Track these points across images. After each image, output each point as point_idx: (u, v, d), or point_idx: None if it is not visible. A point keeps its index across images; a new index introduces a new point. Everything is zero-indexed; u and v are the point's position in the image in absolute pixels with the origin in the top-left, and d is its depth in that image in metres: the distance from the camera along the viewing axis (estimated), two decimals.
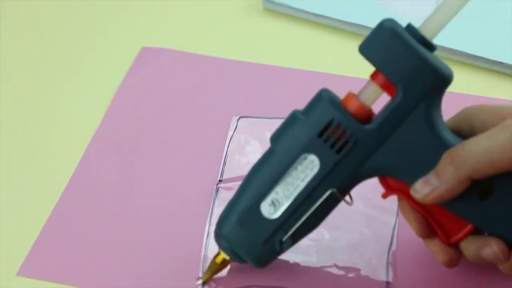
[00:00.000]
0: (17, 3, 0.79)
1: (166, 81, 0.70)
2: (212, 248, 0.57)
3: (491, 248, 0.51)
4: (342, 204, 0.59)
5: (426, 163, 0.50)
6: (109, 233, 0.58)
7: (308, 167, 0.51)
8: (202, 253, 0.57)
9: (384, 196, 0.53)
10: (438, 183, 0.49)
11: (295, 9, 0.76)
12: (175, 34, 0.75)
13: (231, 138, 0.64)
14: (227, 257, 0.54)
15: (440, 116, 0.51)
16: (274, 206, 0.52)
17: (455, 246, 0.52)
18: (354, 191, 0.60)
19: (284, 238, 0.52)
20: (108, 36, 0.76)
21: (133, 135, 0.65)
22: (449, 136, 0.51)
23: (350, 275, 0.55)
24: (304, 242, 0.57)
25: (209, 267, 0.55)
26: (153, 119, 0.67)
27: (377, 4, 0.76)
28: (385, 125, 0.50)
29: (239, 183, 0.60)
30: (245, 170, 0.61)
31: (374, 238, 0.57)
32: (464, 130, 0.52)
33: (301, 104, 0.67)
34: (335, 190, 0.51)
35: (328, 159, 0.51)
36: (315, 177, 0.51)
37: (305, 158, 0.51)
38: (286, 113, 0.66)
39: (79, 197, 0.61)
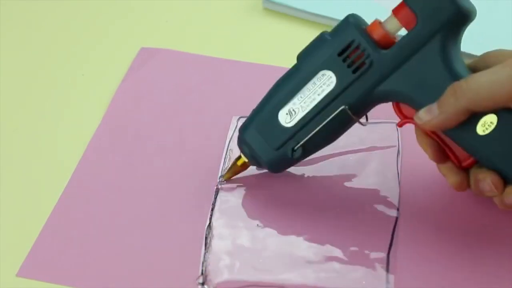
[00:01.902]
0: (17, 3, 0.79)
1: (165, 81, 0.70)
2: (212, 248, 0.57)
3: (486, 181, 0.53)
4: (342, 205, 0.59)
5: (435, 93, 0.53)
6: (109, 234, 0.58)
7: (325, 83, 0.55)
8: (202, 253, 0.57)
9: (400, 124, 0.56)
10: (438, 112, 0.52)
11: (295, 9, 0.76)
12: (174, 34, 0.75)
13: (231, 138, 0.64)
14: (247, 160, 0.59)
15: (457, 52, 0.54)
16: (290, 115, 0.56)
17: (465, 171, 0.55)
18: (355, 192, 0.60)
19: (296, 147, 0.57)
20: (107, 36, 0.76)
21: (132, 135, 0.65)
22: (461, 71, 0.53)
23: (350, 274, 0.55)
24: (305, 241, 0.57)
25: (230, 168, 0.61)
26: (152, 119, 0.66)
27: (377, 4, 0.76)
28: (400, 51, 0.54)
29: (239, 184, 0.61)
30: (245, 171, 0.62)
31: (374, 238, 0.57)
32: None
33: None
34: (347, 107, 0.55)
35: (345, 77, 0.55)
36: (331, 92, 0.55)
37: (323, 74, 0.55)
38: None
39: (79, 198, 0.61)
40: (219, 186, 0.61)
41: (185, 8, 0.79)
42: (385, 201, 0.59)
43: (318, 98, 0.56)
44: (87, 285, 0.56)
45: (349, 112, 0.55)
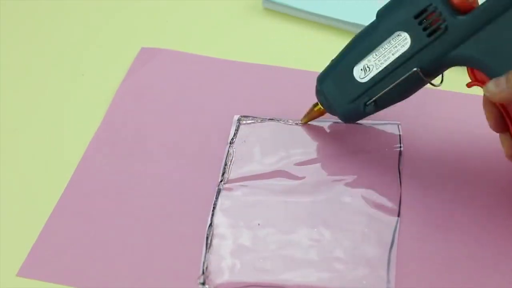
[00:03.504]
0: (17, 3, 0.79)
1: (165, 81, 0.70)
2: (213, 248, 0.57)
3: None
4: (343, 205, 0.59)
5: (509, 64, 0.53)
6: (109, 234, 0.58)
7: (400, 43, 0.57)
8: (203, 253, 0.57)
9: (469, 85, 0.57)
10: (505, 87, 0.53)
11: (295, 9, 0.76)
12: (174, 35, 0.75)
13: (231, 139, 0.64)
14: (323, 109, 0.63)
15: None
16: (364, 72, 0.59)
17: None
18: (356, 192, 0.60)
19: (369, 102, 0.59)
20: (108, 36, 0.76)
21: (132, 136, 0.65)
22: None
23: (351, 274, 0.55)
24: (305, 241, 0.57)
25: (308, 113, 0.64)
26: (153, 119, 0.66)
27: (378, 4, 0.76)
28: (478, 17, 0.54)
29: (240, 183, 0.61)
30: (246, 171, 0.62)
31: (375, 238, 0.57)
32: None
33: (300, 104, 0.67)
34: (418, 69, 0.56)
35: (419, 40, 0.56)
36: (404, 53, 0.57)
37: (399, 35, 0.57)
38: (285, 113, 0.66)
39: (79, 198, 0.61)
40: (221, 186, 0.61)
41: (185, 8, 0.79)
42: (386, 201, 0.59)
43: (392, 58, 0.57)
44: (87, 285, 0.55)
45: (420, 74, 0.57)
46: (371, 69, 0.58)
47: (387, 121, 0.65)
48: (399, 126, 0.64)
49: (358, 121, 0.64)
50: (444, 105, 0.66)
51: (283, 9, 0.77)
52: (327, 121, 0.65)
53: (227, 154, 0.63)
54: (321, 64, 0.71)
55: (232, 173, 0.62)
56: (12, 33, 0.76)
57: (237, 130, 0.65)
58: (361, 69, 0.59)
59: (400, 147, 0.63)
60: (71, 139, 0.65)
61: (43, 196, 0.61)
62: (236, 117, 0.66)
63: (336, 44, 0.74)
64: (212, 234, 0.58)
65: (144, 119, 0.66)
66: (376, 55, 0.58)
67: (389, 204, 0.59)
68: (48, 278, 0.56)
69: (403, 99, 0.59)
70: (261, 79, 0.70)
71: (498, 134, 0.57)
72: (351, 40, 0.60)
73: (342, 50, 0.61)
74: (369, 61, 0.58)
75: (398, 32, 0.57)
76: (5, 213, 0.60)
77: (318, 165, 0.62)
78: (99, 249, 0.57)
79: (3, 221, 0.60)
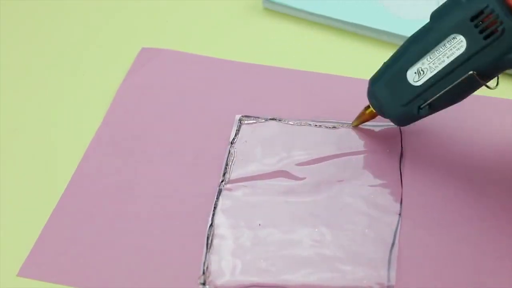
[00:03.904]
0: (17, 3, 0.79)
1: (166, 81, 0.70)
2: (213, 248, 0.57)
3: None
4: (344, 206, 0.59)
5: None
6: (109, 234, 0.58)
7: (455, 46, 0.56)
8: (204, 253, 0.57)
9: None
10: None
11: (295, 9, 0.76)
12: (174, 35, 0.75)
13: (233, 139, 0.64)
14: (375, 111, 0.62)
15: None
16: (418, 75, 0.58)
17: None
18: (357, 192, 0.60)
19: (423, 105, 0.58)
20: (109, 36, 0.76)
21: (133, 136, 0.65)
22: None
23: (352, 274, 0.55)
24: (306, 242, 0.57)
25: (359, 116, 0.64)
26: (153, 120, 0.66)
27: (378, 4, 0.76)
28: None
29: (241, 184, 0.61)
30: (247, 171, 0.62)
31: (376, 239, 0.57)
32: None
33: (300, 104, 0.67)
34: (475, 73, 0.56)
35: (475, 43, 0.55)
36: (460, 56, 0.56)
37: (454, 38, 0.56)
38: (286, 113, 0.66)
39: (80, 198, 0.61)
40: (221, 186, 0.61)
41: (185, 8, 0.79)
42: (387, 202, 0.59)
43: (447, 61, 0.56)
44: (88, 285, 0.55)
45: (476, 77, 0.56)
46: (425, 72, 0.57)
47: (387, 122, 0.65)
48: (400, 126, 0.64)
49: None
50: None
51: (283, 9, 0.77)
52: (327, 122, 0.65)
53: (228, 154, 0.63)
54: (321, 64, 0.71)
55: (233, 173, 0.62)
56: (12, 33, 0.76)
57: (238, 130, 0.65)
58: (415, 72, 0.58)
59: (401, 147, 0.63)
60: (71, 139, 0.65)
61: (43, 196, 0.61)
62: (237, 117, 0.66)
63: (336, 44, 0.74)
64: (213, 234, 0.58)
65: (145, 119, 0.66)
66: (430, 58, 0.57)
67: (390, 204, 0.59)
68: (49, 278, 0.56)
69: (458, 102, 0.59)
70: (261, 79, 0.70)
71: (497, 134, 0.57)
72: (404, 43, 0.59)
73: (395, 53, 0.60)
74: (423, 64, 0.57)
75: (453, 35, 0.56)
76: (5, 213, 0.60)
77: (319, 165, 0.62)
78: (99, 249, 0.57)
79: (3, 221, 0.60)
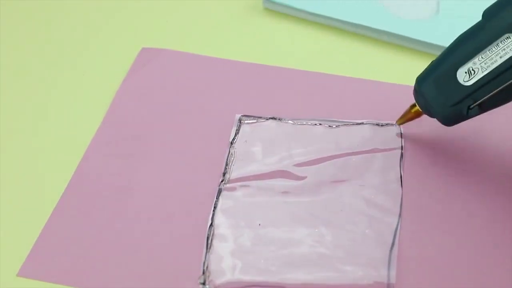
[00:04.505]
0: (17, 3, 0.79)
1: (166, 81, 0.70)
2: (213, 248, 0.57)
3: None
4: (344, 206, 0.59)
5: None
6: (109, 234, 0.58)
7: (509, 47, 0.54)
8: (204, 253, 0.57)
9: None
10: None
11: (295, 9, 0.76)
12: (175, 35, 0.75)
13: (233, 138, 0.64)
14: (421, 111, 0.60)
15: None
16: (469, 75, 0.56)
17: None
18: (357, 192, 0.60)
19: (472, 106, 0.57)
20: (108, 36, 0.76)
21: (133, 136, 0.65)
22: None
23: (352, 275, 0.55)
24: (306, 242, 0.57)
25: (405, 114, 0.62)
26: (153, 120, 0.66)
27: (378, 4, 0.76)
28: None
29: (241, 183, 0.60)
30: (247, 171, 0.62)
31: (376, 239, 0.57)
32: None
33: (300, 104, 0.67)
34: None
35: None
36: None
37: (508, 37, 0.54)
38: (286, 113, 0.66)
39: (80, 198, 0.61)
40: (221, 186, 0.61)
41: (186, 8, 0.79)
42: (387, 202, 0.59)
43: (500, 61, 0.55)
44: (88, 285, 0.55)
45: None
46: (476, 72, 0.56)
47: (387, 121, 0.65)
48: (400, 126, 0.64)
49: (359, 121, 0.64)
50: None
51: (283, 9, 0.77)
52: (327, 121, 0.65)
53: (228, 154, 0.63)
54: (321, 64, 0.71)
55: (233, 173, 0.62)
56: (12, 33, 0.76)
57: (238, 129, 0.65)
58: (466, 72, 0.56)
59: (402, 147, 0.63)
60: (72, 139, 0.65)
61: (43, 196, 0.61)
62: (237, 116, 0.66)
63: (336, 44, 0.74)
64: (213, 234, 0.58)
65: (145, 119, 0.66)
66: (482, 57, 0.56)
67: (390, 204, 0.59)
68: (49, 278, 0.56)
69: (510, 101, 0.58)
70: (261, 78, 0.70)
71: (499, 134, 0.57)
72: (454, 41, 0.58)
73: (445, 51, 0.58)
74: (474, 63, 0.56)
75: (507, 35, 0.54)
76: (5, 213, 0.60)
77: (319, 165, 0.62)
78: (99, 249, 0.57)
79: (3, 221, 0.60)
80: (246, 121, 0.65)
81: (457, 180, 0.61)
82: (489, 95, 0.56)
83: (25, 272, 0.56)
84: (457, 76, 0.57)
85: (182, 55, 0.72)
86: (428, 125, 0.64)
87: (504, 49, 0.55)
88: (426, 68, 0.59)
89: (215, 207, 0.59)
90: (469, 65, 0.56)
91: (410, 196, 0.60)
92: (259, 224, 0.58)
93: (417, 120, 0.63)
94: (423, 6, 0.75)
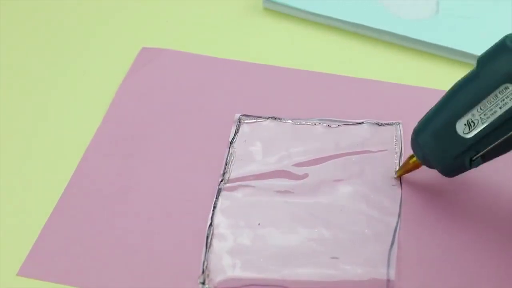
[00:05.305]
0: (17, 3, 0.79)
1: (166, 81, 0.70)
2: (213, 247, 0.57)
3: None
4: (343, 206, 0.59)
5: None
6: (109, 234, 0.58)
7: (508, 97, 0.52)
8: (203, 253, 0.57)
9: None
10: None
11: (295, 9, 0.76)
12: (175, 34, 0.75)
13: (232, 138, 0.64)
14: (420, 161, 0.58)
15: None
16: (469, 127, 0.53)
17: None
18: (356, 192, 0.60)
19: (475, 157, 0.54)
20: (108, 36, 0.76)
21: (133, 136, 0.65)
22: None
23: (351, 275, 0.55)
24: (306, 242, 0.57)
25: (403, 165, 0.60)
26: (153, 119, 0.66)
27: (378, 4, 0.76)
28: None
29: (240, 183, 0.60)
30: (246, 171, 0.62)
31: (375, 239, 0.57)
32: None
33: (300, 103, 0.67)
34: None
35: None
36: None
37: (506, 88, 0.52)
38: (285, 113, 0.66)
39: (79, 198, 0.61)
40: (221, 186, 0.61)
41: (186, 8, 0.79)
42: (386, 202, 0.59)
43: (500, 112, 0.52)
44: (87, 284, 0.55)
45: None
46: (476, 124, 0.53)
47: (387, 121, 0.65)
48: (400, 126, 0.64)
49: (359, 121, 0.64)
50: None
51: (283, 9, 0.77)
52: (327, 121, 0.65)
53: (228, 153, 0.63)
54: (321, 64, 0.71)
55: (232, 173, 0.62)
56: (12, 33, 0.76)
57: (237, 129, 0.65)
58: (465, 124, 0.54)
59: (401, 147, 0.63)
60: (72, 138, 0.65)
61: (43, 195, 0.61)
62: (237, 116, 0.66)
63: (336, 45, 0.74)
64: (212, 233, 0.58)
65: (145, 119, 0.66)
66: (481, 109, 0.53)
67: (389, 204, 0.59)
68: (49, 278, 0.56)
69: None
70: (261, 78, 0.70)
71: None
72: (450, 91, 0.55)
73: (442, 101, 0.55)
74: (473, 115, 0.53)
75: (505, 85, 0.52)
76: (5, 212, 0.60)
77: (318, 165, 0.62)
78: (99, 248, 0.57)
79: (3, 220, 0.60)
80: (245, 121, 0.65)
81: (457, 179, 0.61)
82: (492, 145, 0.54)
83: (25, 271, 0.56)
84: (457, 128, 0.54)
85: (182, 55, 0.72)
86: None
87: (503, 100, 0.52)
88: (422, 119, 0.57)
89: (214, 207, 0.59)
90: (468, 117, 0.54)
91: (409, 195, 0.60)
92: (259, 224, 0.58)
93: (416, 120, 0.63)
94: (423, 6, 0.75)
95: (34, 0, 0.79)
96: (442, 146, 0.55)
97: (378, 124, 0.65)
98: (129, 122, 0.66)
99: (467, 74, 0.54)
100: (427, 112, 0.57)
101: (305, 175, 0.61)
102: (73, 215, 0.60)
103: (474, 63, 0.71)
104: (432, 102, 0.65)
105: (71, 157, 0.64)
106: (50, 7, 0.79)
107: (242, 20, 0.77)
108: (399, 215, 0.59)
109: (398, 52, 0.73)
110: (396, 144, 0.63)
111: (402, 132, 0.64)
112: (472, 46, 0.71)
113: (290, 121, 0.65)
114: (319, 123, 0.65)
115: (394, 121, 0.65)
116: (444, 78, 0.69)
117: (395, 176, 0.61)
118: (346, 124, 0.65)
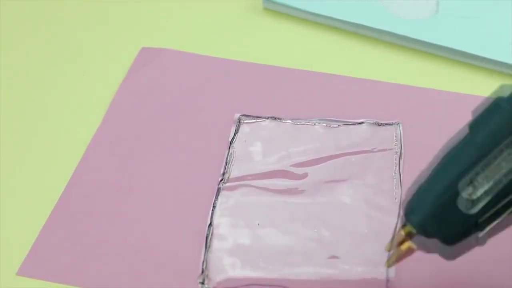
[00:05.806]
0: (17, 3, 0.79)
1: (166, 81, 0.70)
2: (212, 247, 0.57)
3: None
4: (343, 206, 0.59)
5: None
6: (109, 233, 0.58)
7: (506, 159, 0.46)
8: (202, 253, 0.57)
9: None
10: None
11: (295, 9, 0.76)
12: (175, 34, 0.75)
13: (232, 138, 0.64)
14: (414, 246, 0.49)
15: None
16: (471, 202, 0.47)
17: None
18: (356, 192, 0.60)
19: (481, 235, 0.47)
20: (108, 36, 0.76)
21: (133, 136, 0.65)
22: None
23: (351, 271, 0.55)
24: (305, 242, 0.57)
25: (394, 254, 0.50)
26: (153, 119, 0.66)
27: (378, 4, 0.76)
28: None
29: (240, 183, 0.60)
30: (246, 170, 0.62)
31: (375, 239, 0.57)
32: None
33: (300, 103, 0.67)
34: None
35: None
36: None
37: (510, 154, 0.46)
38: (285, 113, 0.66)
39: (79, 197, 0.61)
40: (221, 186, 0.61)
41: (186, 8, 0.79)
42: (386, 202, 0.59)
43: (505, 181, 0.46)
44: (87, 284, 0.55)
45: None
46: (479, 198, 0.47)
47: (387, 121, 0.65)
48: (399, 126, 0.64)
49: (358, 121, 0.64)
50: (444, 105, 0.66)
51: (283, 9, 0.77)
52: (327, 121, 0.65)
53: (228, 153, 0.63)
54: (321, 64, 0.71)
55: (232, 173, 0.62)
56: (12, 33, 0.76)
57: (237, 129, 0.65)
58: (466, 200, 0.47)
59: (401, 147, 0.63)
60: (72, 138, 0.65)
61: (43, 195, 0.61)
62: (236, 116, 0.66)
63: (336, 45, 0.74)
64: (212, 233, 0.58)
65: (144, 119, 0.66)
66: (481, 178, 0.47)
67: (389, 204, 0.59)
68: (48, 277, 0.56)
69: None
70: (261, 78, 0.70)
71: None
72: (443, 159, 0.49)
73: (435, 173, 0.48)
74: (474, 187, 0.47)
75: (508, 151, 0.46)
76: (4, 212, 0.60)
77: (318, 165, 0.62)
78: (99, 248, 0.57)
79: (2, 220, 0.60)
80: (245, 121, 0.65)
81: None
82: (497, 220, 0.47)
83: (25, 271, 0.56)
84: (458, 204, 0.47)
85: (182, 54, 0.72)
86: (427, 124, 0.64)
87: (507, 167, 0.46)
88: (415, 194, 0.49)
89: (214, 207, 0.59)
90: (468, 191, 0.46)
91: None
92: (258, 224, 0.58)
93: (416, 120, 0.63)
94: (422, 6, 0.75)
95: (34, 0, 0.79)
96: (442, 226, 0.47)
97: (378, 124, 0.65)
98: (129, 122, 0.66)
99: (461, 141, 0.49)
100: (419, 187, 0.49)
101: (305, 175, 0.61)
102: (72, 214, 0.60)
103: (473, 63, 0.72)
104: (432, 102, 0.65)
105: (71, 157, 0.64)
106: (50, 7, 0.79)
107: (242, 20, 0.77)
108: (399, 215, 0.59)
109: (398, 52, 0.73)
110: (396, 144, 0.63)
111: (401, 132, 0.64)
112: (472, 46, 0.71)
113: (289, 121, 0.65)
114: (319, 123, 0.65)
115: (394, 121, 0.65)
116: (444, 78, 0.69)
117: (386, 267, 0.52)
118: (346, 124, 0.65)
